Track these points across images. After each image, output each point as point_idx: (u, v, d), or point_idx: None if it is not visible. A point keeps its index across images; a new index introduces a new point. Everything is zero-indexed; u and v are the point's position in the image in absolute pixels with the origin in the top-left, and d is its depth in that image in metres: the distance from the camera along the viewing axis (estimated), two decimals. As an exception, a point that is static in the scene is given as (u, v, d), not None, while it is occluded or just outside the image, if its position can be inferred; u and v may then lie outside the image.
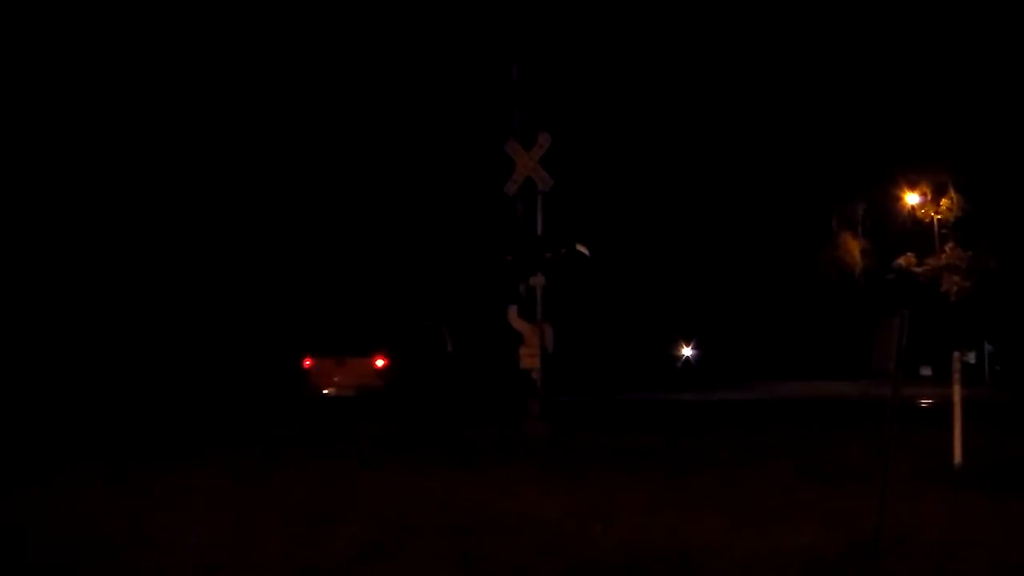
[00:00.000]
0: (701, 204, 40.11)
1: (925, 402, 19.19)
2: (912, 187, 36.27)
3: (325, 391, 16.46)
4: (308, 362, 16.67)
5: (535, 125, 14.49)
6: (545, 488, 7.99)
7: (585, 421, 15.03)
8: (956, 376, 9.01)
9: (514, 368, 15.14)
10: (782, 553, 5.50)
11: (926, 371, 33.20)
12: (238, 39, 28.58)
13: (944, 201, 35.97)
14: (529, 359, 13.37)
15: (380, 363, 15.80)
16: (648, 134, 36.67)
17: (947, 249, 36.07)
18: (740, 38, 38.65)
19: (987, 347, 41.39)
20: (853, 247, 38.03)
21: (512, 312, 13.65)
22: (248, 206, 28.38)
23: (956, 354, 9.62)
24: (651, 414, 17.66)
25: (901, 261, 36.42)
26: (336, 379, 16.35)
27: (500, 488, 8.03)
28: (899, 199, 36.79)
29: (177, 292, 27.82)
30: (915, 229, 36.80)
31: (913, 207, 36.68)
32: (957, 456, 8.68)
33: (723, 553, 5.56)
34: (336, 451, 10.72)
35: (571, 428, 13.38)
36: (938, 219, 36.15)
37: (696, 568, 5.28)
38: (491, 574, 5.25)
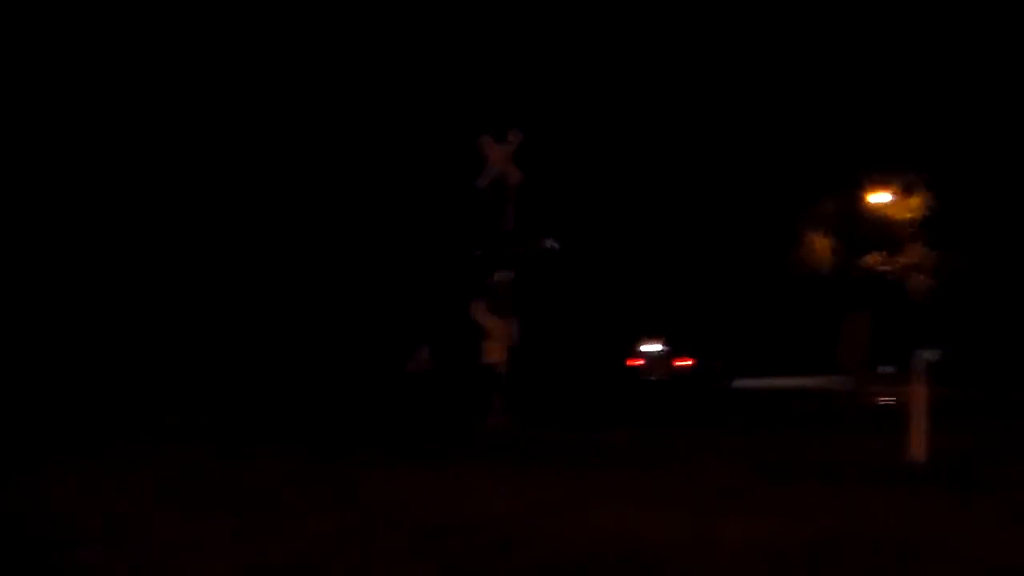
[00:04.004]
0: (672, 202, 40.17)
1: (888, 400, 19.34)
2: (881, 186, 36.53)
3: (652, 376, 27.19)
4: (638, 360, 27.91)
5: (508, 120, 14.45)
6: (506, 484, 7.94)
7: (550, 416, 15.01)
8: (919, 374, 9.08)
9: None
10: (744, 550, 5.48)
11: (889, 369, 33.49)
12: (226, 38, 28.18)
13: (913, 200, 36.26)
14: (495, 353, 13.32)
15: (688, 362, 27.55)
16: (621, 131, 36.67)
17: (914, 248, 36.38)
18: (712, 37, 38.64)
19: (947, 346, 41.68)
20: (822, 246, 38.23)
21: (478, 307, 13.59)
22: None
23: (919, 352, 9.69)
24: (615, 410, 17.69)
25: (868, 260, 36.71)
26: (660, 370, 27.41)
27: (462, 484, 7.99)
28: (867, 198, 37.04)
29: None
30: (884, 228, 37.05)
31: (882, 206, 36.94)
32: (919, 454, 8.74)
33: (684, 549, 5.54)
34: (303, 447, 10.65)
35: (535, 423, 13.35)
36: (907, 218, 36.43)
37: (656, 564, 5.25)
38: (451, 570, 5.20)
